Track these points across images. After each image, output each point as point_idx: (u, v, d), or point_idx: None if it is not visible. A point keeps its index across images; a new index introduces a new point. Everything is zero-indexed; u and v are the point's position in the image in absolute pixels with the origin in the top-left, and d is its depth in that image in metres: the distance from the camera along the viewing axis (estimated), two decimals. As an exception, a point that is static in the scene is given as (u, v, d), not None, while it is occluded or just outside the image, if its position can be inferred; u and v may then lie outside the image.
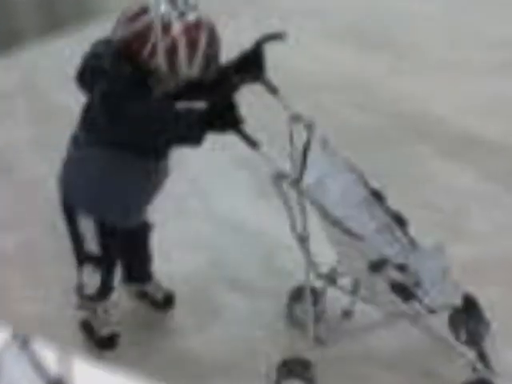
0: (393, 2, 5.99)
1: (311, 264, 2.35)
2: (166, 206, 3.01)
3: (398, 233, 2.35)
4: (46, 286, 2.89)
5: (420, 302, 2.18)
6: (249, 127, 2.08)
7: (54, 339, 2.63)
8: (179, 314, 2.78)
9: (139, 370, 2.51)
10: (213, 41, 2.12)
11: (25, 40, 5.26)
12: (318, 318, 2.44)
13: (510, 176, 3.61)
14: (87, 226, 2.36)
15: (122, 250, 2.55)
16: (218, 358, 2.56)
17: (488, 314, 2.36)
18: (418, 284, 2.17)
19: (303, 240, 2.28)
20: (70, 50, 4.11)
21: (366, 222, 2.34)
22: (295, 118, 2.31)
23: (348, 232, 2.19)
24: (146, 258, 2.74)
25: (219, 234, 3.23)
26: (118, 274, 2.67)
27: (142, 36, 2.07)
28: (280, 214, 2.29)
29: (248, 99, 2.37)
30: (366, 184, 2.40)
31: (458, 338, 2.34)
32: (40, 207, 3.30)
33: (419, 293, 2.17)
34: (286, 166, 2.20)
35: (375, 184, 2.42)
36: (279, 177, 2.17)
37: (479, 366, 2.25)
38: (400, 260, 2.20)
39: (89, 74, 2.19)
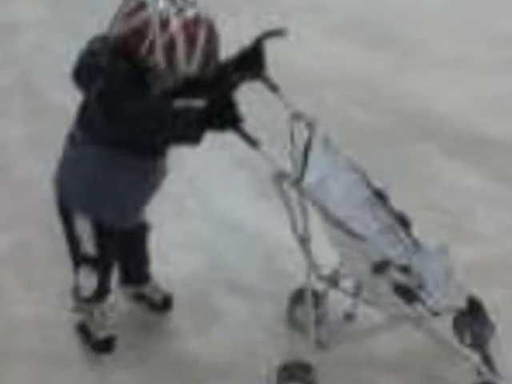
0: (395, -3, 6.00)
1: (312, 266, 2.35)
2: (164, 206, 3.02)
3: (402, 234, 2.35)
4: (42, 287, 2.90)
5: (423, 304, 2.18)
6: (249, 126, 2.09)
7: (49, 342, 2.65)
8: (177, 316, 2.78)
9: (137, 374, 2.52)
10: (212, 37, 2.13)
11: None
12: (320, 320, 2.44)
13: (517, 176, 3.62)
14: (83, 227, 2.37)
15: (119, 251, 2.56)
16: (217, 361, 2.57)
17: (493, 317, 2.36)
18: (421, 286, 2.17)
19: (304, 241, 2.29)
20: (66, 47, 4.11)
21: (368, 222, 2.34)
22: (296, 117, 2.32)
23: (350, 233, 2.19)
24: (144, 260, 2.75)
25: (218, 235, 3.23)
26: (115, 275, 2.68)
27: (140, 32, 2.08)
28: (280, 214, 2.30)
29: (248, 97, 2.37)
30: (368, 184, 2.41)
31: (462, 341, 2.35)
32: (35, 207, 3.31)
33: (423, 295, 2.17)
34: (287, 166, 2.21)
35: (378, 184, 2.43)
36: (280, 176, 2.18)
37: (484, 369, 2.25)
38: (403, 261, 2.20)
39: (85, 72, 2.20)
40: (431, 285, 2.19)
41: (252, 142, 2.10)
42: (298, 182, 2.19)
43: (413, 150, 3.90)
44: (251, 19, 5.49)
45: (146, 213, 2.61)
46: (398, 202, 2.42)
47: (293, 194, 2.23)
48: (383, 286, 2.19)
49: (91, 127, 2.22)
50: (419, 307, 2.19)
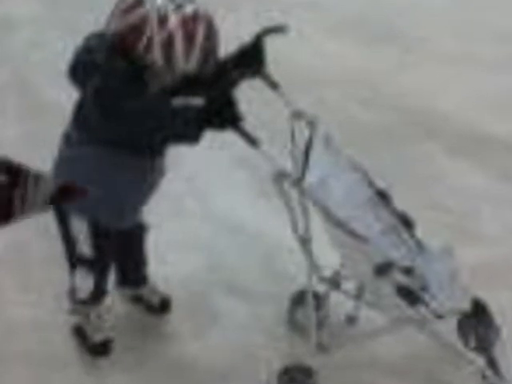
0: (398, -6, 5.99)
1: (314, 267, 2.35)
2: (163, 206, 3.01)
3: (405, 235, 2.35)
4: (39, 289, 2.89)
5: (427, 306, 2.18)
6: (248, 124, 2.08)
7: (46, 344, 2.64)
8: (176, 318, 2.77)
9: (134, 377, 2.51)
10: (211, 34, 2.12)
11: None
12: (321, 323, 2.44)
13: (522, 175, 3.62)
14: (80, 228, 2.36)
15: (116, 252, 2.55)
16: (216, 364, 2.56)
17: (498, 319, 2.35)
18: (424, 288, 2.17)
19: (305, 242, 2.28)
20: (62, 44, 4.10)
21: (370, 223, 2.33)
22: (297, 115, 2.31)
23: (352, 234, 2.19)
24: (141, 261, 2.74)
25: (217, 235, 3.23)
26: (112, 277, 2.67)
27: (138, 29, 2.07)
28: (281, 214, 2.29)
29: (248, 95, 2.37)
30: (370, 183, 2.40)
31: (466, 344, 2.34)
32: (31, 207, 3.29)
33: (426, 297, 2.17)
34: (288, 165, 2.20)
35: (380, 183, 2.42)
36: (280, 176, 2.17)
37: (489, 373, 2.25)
38: (406, 263, 2.20)
39: (81, 69, 2.19)
40: (435, 287, 2.18)
41: (252, 141, 2.09)
42: (298, 181, 2.19)
43: (416, 149, 3.90)
44: (251, 16, 5.49)
45: (144, 213, 2.60)
46: (400, 202, 2.41)
47: (293, 193, 2.22)
48: (386, 287, 2.19)
49: (87, 126, 2.21)
50: (422, 309, 2.19)
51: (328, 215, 2.20)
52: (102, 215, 2.35)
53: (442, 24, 5.56)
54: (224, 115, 2.04)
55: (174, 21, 2.06)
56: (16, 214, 1.42)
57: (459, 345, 2.34)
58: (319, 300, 2.50)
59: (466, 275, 2.28)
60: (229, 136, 2.12)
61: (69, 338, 2.66)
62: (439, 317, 2.21)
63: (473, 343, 2.33)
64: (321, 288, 2.52)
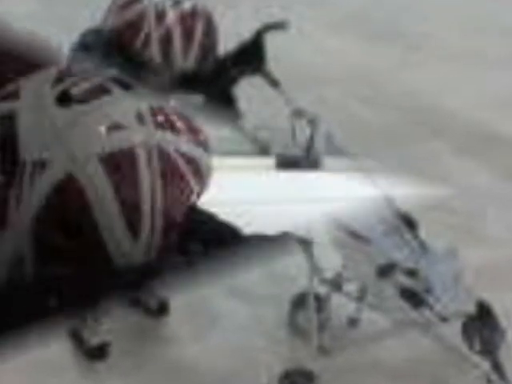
0: (402, -11, 5.99)
1: (315, 269, 2.35)
2: (161, 206, 3.01)
3: (408, 236, 2.34)
4: (33, 291, 2.89)
5: (431, 309, 2.18)
6: (248, 122, 2.08)
7: (41, 348, 2.64)
8: (174, 321, 2.77)
9: (132, 381, 2.51)
10: (210, 30, 2.13)
11: None
12: (322, 326, 2.43)
13: (529, 175, 3.62)
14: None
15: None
16: (215, 368, 2.56)
17: (503, 322, 2.35)
18: (428, 290, 2.17)
19: (306, 243, 2.28)
20: (59, 41, 4.10)
21: (373, 223, 2.33)
22: (298, 113, 2.31)
23: (354, 235, 2.18)
24: (139, 262, 2.74)
25: (217, 236, 3.22)
26: (109, 279, 2.67)
27: (135, 25, 2.08)
28: (281, 215, 2.29)
29: (247, 93, 2.37)
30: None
31: (471, 347, 2.34)
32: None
33: (430, 299, 2.17)
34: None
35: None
36: (281, 175, 2.17)
37: (494, 377, 2.25)
38: (409, 264, 2.20)
39: (78, 66, 2.19)
40: (439, 289, 2.18)
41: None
42: (299, 181, 2.18)
43: (420, 149, 3.89)
44: (251, 12, 5.48)
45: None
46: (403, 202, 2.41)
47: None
48: (389, 289, 2.19)
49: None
50: (426, 312, 2.19)
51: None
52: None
53: (447, 20, 5.56)
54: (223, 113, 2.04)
55: (172, 17, 2.07)
56: (11, 215, 1.41)
57: (464, 348, 2.34)
58: (320, 302, 2.50)
59: (470, 277, 2.28)
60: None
61: (65, 341, 2.65)
62: (443, 319, 2.21)
63: (478, 346, 2.33)
64: (322, 290, 2.51)
